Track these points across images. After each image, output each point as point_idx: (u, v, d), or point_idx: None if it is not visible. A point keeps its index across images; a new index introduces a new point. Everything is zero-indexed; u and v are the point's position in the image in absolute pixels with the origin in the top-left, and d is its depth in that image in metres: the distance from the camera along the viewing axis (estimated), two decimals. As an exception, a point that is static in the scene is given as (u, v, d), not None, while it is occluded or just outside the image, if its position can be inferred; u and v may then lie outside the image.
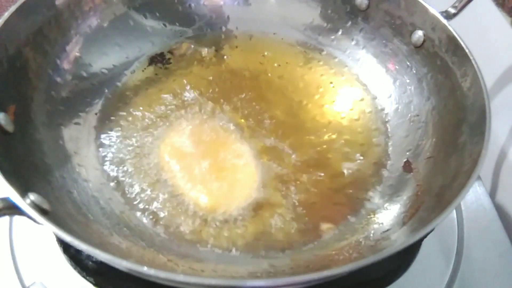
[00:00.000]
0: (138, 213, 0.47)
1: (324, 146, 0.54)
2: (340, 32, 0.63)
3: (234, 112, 0.56)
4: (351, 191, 0.50)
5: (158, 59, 0.60)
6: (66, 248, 0.47)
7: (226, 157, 0.51)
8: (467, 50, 0.48)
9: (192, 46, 0.61)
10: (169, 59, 0.61)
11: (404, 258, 0.49)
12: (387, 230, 0.45)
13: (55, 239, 0.47)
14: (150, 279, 0.35)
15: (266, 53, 0.63)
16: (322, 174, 0.51)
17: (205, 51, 0.62)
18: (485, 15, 0.61)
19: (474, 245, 0.53)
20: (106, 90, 0.57)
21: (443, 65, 0.52)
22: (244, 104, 0.57)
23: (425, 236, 0.37)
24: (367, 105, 0.59)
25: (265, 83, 0.60)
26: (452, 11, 0.52)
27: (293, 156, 0.52)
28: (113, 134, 0.53)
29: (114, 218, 0.46)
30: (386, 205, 0.49)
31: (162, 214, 0.47)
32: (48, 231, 0.44)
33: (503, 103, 0.59)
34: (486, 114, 0.43)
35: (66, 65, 0.54)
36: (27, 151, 0.44)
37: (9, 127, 0.42)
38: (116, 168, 0.50)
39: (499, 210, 0.57)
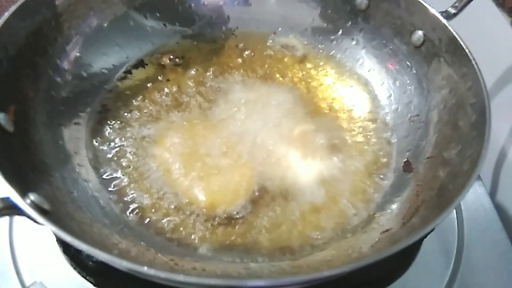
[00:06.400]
0: (138, 213, 0.47)
1: (324, 146, 0.54)
2: (340, 32, 0.63)
3: (234, 112, 0.56)
4: (350, 191, 0.50)
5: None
6: (66, 248, 0.47)
7: (225, 157, 0.51)
8: (467, 50, 0.48)
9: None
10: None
11: (404, 258, 0.49)
12: (387, 230, 0.45)
13: (55, 239, 0.47)
14: (150, 279, 0.35)
15: (266, 53, 0.63)
16: (322, 174, 0.51)
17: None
18: (485, 15, 0.61)
19: (474, 245, 0.53)
20: (106, 90, 0.57)
21: (443, 65, 0.52)
22: (243, 103, 0.57)
23: (425, 236, 0.37)
24: (367, 105, 0.59)
25: (266, 83, 0.60)
26: (452, 11, 0.52)
27: (293, 155, 0.52)
28: (113, 134, 0.53)
29: (114, 218, 0.46)
30: (386, 205, 0.49)
31: (162, 214, 0.47)
32: (48, 231, 0.44)
33: (503, 103, 0.59)
34: (486, 114, 0.44)
35: (66, 65, 0.54)
36: (27, 151, 0.44)
37: (9, 127, 0.42)
38: (116, 168, 0.50)
39: (499, 210, 0.57)
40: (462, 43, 0.49)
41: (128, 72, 0.59)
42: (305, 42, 0.64)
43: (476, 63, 0.47)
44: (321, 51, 0.64)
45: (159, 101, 0.57)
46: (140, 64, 0.60)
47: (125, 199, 0.48)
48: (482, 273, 0.51)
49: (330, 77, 0.61)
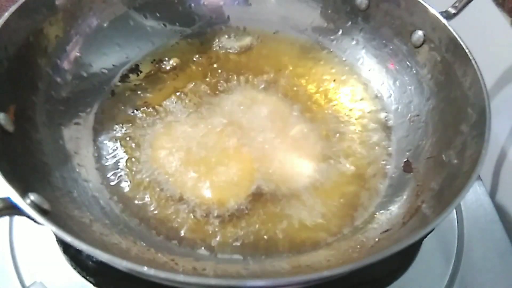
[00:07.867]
0: (138, 213, 0.47)
1: (324, 146, 0.54)
2: (340, 32, 0.63)
3: (233, 111, 0.56)
4: (351, 191, 0.50)
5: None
6: (66, 248, 0.47)
7: (224, 157, 0.51)
8: (467, 50, 0.48)
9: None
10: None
11: (404, 258, 0.49)
12: (387, 230, 0.45)
13: (55, 239, 0.47)
14: (150, 279, 0.35)
15: (266, 53, 0.63)
16: (322, 174, 0.51)
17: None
18: (485, 15, 0.61)
19: (474, 245, 0.53)
20: (106, 90, 0.57)
21: (443, 65, 0.52)
22: (242, 103, 0.57)
23: (425, 236, 0.37)
24: (367, 105, 0.59)
25: (265, 83, 0.60)
26: (452, 11, 0.52)
27: (292, 155, 0.52)
28: (113, 134, 0.53)
29: (114, 218, 0.46)
30: (386, 205, 0.49)
31: (162, 214, 0.47)
32: (48, 231, 0.44)
33: (503, 103, 0.59)
34: (486, 114, 0.44)
35: (66, 65, 0.54)
36: (27, 151, 0.44)
37: (9, 127, 0.42)
38: (116, 168, 0.50)
39: (499, 210, 0.57)
40: (462, 43, 0.49)
41: (129, 73, 0.59)
42: (305, 42, 0.64)
43: (476, 63, 0.47)
44: (321, 51, 0.64)
45: (159, 102, 0.57)
46: (140, 64, 0.60)
47: (125, 199, 0.48)
48: (482, 273, 0.51)
49: (330, 77, 0.61)
